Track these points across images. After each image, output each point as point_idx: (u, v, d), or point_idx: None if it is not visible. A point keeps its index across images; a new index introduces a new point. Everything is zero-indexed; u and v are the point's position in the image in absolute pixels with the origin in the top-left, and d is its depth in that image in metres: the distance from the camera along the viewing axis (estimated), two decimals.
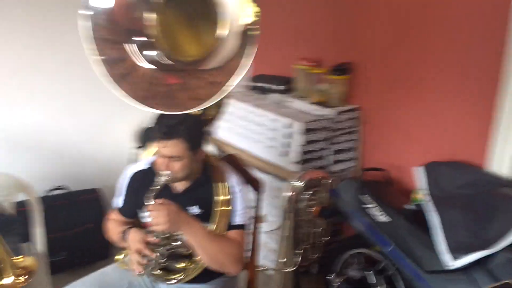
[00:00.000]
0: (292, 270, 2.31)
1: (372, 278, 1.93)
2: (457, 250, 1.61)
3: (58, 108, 2.72)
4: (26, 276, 1.67)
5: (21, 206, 2.28)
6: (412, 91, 2.26)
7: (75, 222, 2.65)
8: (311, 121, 2.38)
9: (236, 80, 1.25)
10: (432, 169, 1.92)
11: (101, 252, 2.72)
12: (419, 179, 1.93)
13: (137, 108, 3.18)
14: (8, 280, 1.65)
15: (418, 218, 1.84)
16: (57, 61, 2.65)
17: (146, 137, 2.90)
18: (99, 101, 2.81)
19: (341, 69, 2.48)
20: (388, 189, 2.14)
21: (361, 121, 2.53)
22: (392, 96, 2.36)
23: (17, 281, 1.64)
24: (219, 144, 2.85)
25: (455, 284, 1.63)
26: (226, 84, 1.26)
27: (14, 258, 1.71)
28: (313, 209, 2.33)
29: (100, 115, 2.88)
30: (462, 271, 1.62)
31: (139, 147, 2.86)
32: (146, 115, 3.04)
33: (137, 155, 2.86)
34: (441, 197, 1.81)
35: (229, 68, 1.30)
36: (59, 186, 2.77)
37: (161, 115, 1.47)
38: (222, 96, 1.27)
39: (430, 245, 1.70)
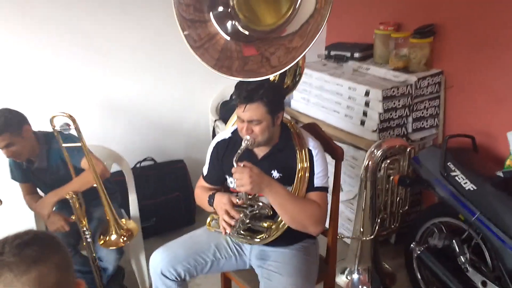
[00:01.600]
0: (369, 239, 2.32)
1: (455, 247, 1.87)
2: None
3: (145, 84, 2.90)
4: (127, 237, 1.88)
5: (115, 176, 2.51)
6: (503, 52, 2.10)
7: (163, 191, 2.85)
8: (390, 88, 2.31)
9: (313, 41, 1.26)
10: None
11: (187, 219, 2.92)
12: (510, 144, 1.82)
13: (217, 84, 3.31)
14: (113, 237, 1.87)
15: (509, 186, 1.74)
16: (144, 36, 2.80)
17: (224, 110, 3.01)
18: (183, 77, 2.95)
19: (423, 32, 2.37)
20: (474, 157, 2.04)
21: (444, 86, 2.41)
22: (480, 58, 2.21)
23: (120, 240, 1.86)
24: (295, 115, 2.88)
25: None
26: (304, 47, 1.28)
27: (120, 220, 1.94)
28: (392, 178, 2.30)
29: (183, 91, 3.02)
30: None
31: (219, 119, 2.99)
32: (226, 89, 3.16)
33: (216, 127, 2.98)
34: None
35: (304, 31, 1.31)
36: (146, 157, 2.97)
37: (241, 82, 1.53)
38: (299, 59, 1.29)
39: None
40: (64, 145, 1.87)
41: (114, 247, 1.96)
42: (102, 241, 1.91)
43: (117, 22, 2.70)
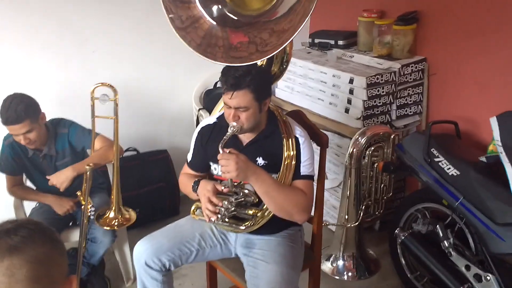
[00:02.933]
0: (354, 226, 2.33)
1: (439, 232, 1.89)
2: None
3: (125, 74, 2.84)
4: (123, 223, 1.90)
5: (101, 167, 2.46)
6: (486, 38, 2.11)
7: (147, 182, 2.81)
8: (374, 76, 2.31)
9: (302, 25, 1.24)
10: (506, 119, 1.81)
11: (171, 209, 2.89)
12: (493, 129, 1.83)
13: (200, 72, 3.27)
14: (111, 214, 1.94)
15: (492, 171, 1.76)
16: (124, 26, 2.74)
17: (209, 99, 2.98)
18: (165, 66, 2.90)
19: (406, 19, 2.37)
20: (457, 142, 2.05)
21: (427, 73, 2.42)
22: (463, 45, 2.22)
23: (115, 222, 1.87)
24: (279, 103, 2.86)
25: None
26: (293, 29, 1.26)
27: (124, 207, 1.97)
28: (376, 165, 2.31)
29: (166, 80, 2.97)
30: None
31: (203, 108, 2.95)
32: (209, 77, 3.11)
33: (200, 116, 2.95)
34: None
35: (293, 15, 1.29)
36: (129, 147, 2.93)
37: (227, 68, 1.50)
38: (288, 42, 1.27)
39: (504, 198, 1.64)
40: (96, 116, 1.96)
41: (109, 228, 1.96)
42: (100, 219, 1.94)
43: (97, 11, 2.64)
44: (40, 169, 2.12)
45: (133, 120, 2.94)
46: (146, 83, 2.92)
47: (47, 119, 2.08)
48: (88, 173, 1.85)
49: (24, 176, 2.22)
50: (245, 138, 1.63)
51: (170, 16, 1.40)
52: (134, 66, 2.84)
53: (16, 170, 2.13)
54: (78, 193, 1.93)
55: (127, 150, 2.90)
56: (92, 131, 2.01)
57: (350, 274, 2.37)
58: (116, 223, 1.93)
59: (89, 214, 1.89)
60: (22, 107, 1.88)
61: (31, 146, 2.00)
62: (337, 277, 2.37)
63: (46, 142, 2.06)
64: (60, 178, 1.97)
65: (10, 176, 2.14)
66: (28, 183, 2.26)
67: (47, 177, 2.03)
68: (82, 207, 1.90)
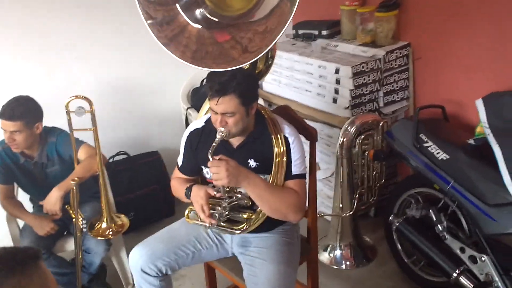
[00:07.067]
0: (349, 215, 2.34)
1: (432, 216, 1.91)
2: None
3: (111, 77, 2.81)
4: (117, 230, 1.89)
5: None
6: (469, 20, 2.11)
7: (140, 185, 2.80)
8: (359, 64, 2.31)
9: (287, 22, 1.23)
10: (492, 100, 1.83)
11: (166, 211, 2.88)
12: (479, 111, 1.85)
13: (187, 71, 3.24)
14: (103, 225, 1.91)
15: (480, 153, 1.78)
16: (108, 29, 2.71)
17: (196, 97, 2.96)
18: (151, 67, 2.87)
19: (388, 5, 2.36)
20: (445, 126, 2.07)
21: (412, 58, 2.42)
22: (446, 28, 2.22)
23: (109, 231, 1.88)
24: (267, 97, 2.85)
25: None
26: (278, 29, 1.25)
27: (115, 214, 1.95)
28: (367, 153, 2.32)
29: (152, 80, 2.96)
30: None
31: (191, 107, 2.93)
32: (196, 75, 3.09)
33: (189, 115, 2.94)
34: (502, 128, 1.73)
35: (277, 13, 1.28)
36: (119, 151, 2.91)
37: (212, 73, 1.49)
38: (274, 43, 1.26)
39: (494, 179, 1.65)
40: (74, 129, 1.92)
41: (103, 238, 1.96)
42: (93, 229, 1.92)
43: (79, 17, 2.62)
44: (31, 176, 2.11)
45: (121, 123, 2.93)
46: (132, 85, 2.90)
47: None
48: (74, 188, 1.83)
49: (16, 186, 2.20)
50: (235, 141, 1.62)
51: (150, 22, 1.39)
52: (119, 69, 2.83)
53: (7, 178, 2.11)
54: (67, 206, 1.92)
55: (117, 154, 2.89)
56: (76, 141, 2.00)
57: (348, 263, 2.39)
58: (110, 233, 1.91)
59: (81, 226, 1.88)
60: (22, 109, 1.93)
61: (13, 147, 2.00)
62: (335, 267, 2.39)
63: (38, 150, 2.06)
64: (51, 202, 1.95)
65: (2, 185, 2.12)
66: (21, 194, 2.24)
67: (40, 202, 2.02)
68: (74, 220, 1.90)
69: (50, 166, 2.09)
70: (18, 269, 0.81)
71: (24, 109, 1.94)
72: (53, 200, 1.95)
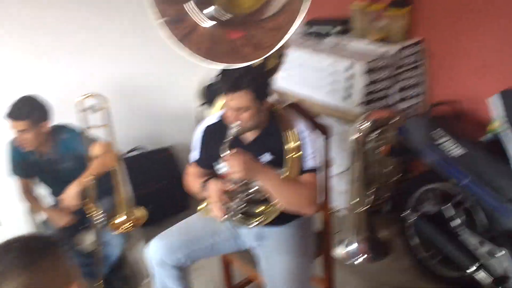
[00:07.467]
0: (364, 210, 2.35)
1: (450, 211, 1.91)
2: None
3: (125, 73, 2.85)
4: (134, 224, 1.92)
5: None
6: (484, 16, 2.10)
7: (154, 179, 2.85)
8: (373, 60, 2.31)
9: (300, 18, 1.24)
10: (509, 95, 1.82)
11: (182, 204, 2.92)
12: (495, 107, 1.84)
13: (201, 66, 3.26)
14: (122, 218, 1.95)
15: (496, 149, 1.78)
16: (123, 25, 2.75)
17: (210, 93, 2.99)
18: (165, 63, 2.89)
19: (400, 2, 2.36)
20: (460, 122, 2.07)
21: (425, 55, 2.42)
22: (460, 23, 2.21)
23: (126, 225, 1.90)
24: (279, 94, 2.86)
25: None
26: (290, 25, 1.26)
27: (133, 207, 2.00)
28: (381, 149, 2.32)
29: (165, 76, 2.98)
30: None
31: (204, 103, 2.96)
32: (210, 72, 3.12)
33: (202, 111, 2.96)
34: None
35: (289, 9, 1.29)
36: (135, 147, 2.95)
37: (226, 69, 1.51)
38: (286, 39, 1.27)
39: (510, 174, 1.66)
40: (90, 126, 1.97)
41: (121, 231, 2.00)
42: (111, 223, 1.97)
43: (94, 12, 2.65)
44: (46, 172, 2.17)
45: (135, 119, 2.96)
46: (146, 81, 2.93)
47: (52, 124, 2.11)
48: (91, 183, 1.89)
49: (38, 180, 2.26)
50: (249, 135, 1.65)
51: (164, 19, 1.41)
52: (132, 67, 2.86)
53: (27, 172, 2.17)
54: (85, 201, 1.97)
55: (132, 150, 2.93)
56: (89, 138, 2.04)
57: (364, 257, 2.39)
58: (128, 226, 1.95)
59: (100, 220, 1.93)
60: (28, 108, 1.96)
61: (23, 147, 2.04)
62: (351, 260, 2.39)
63: (50, 147, 2.10)
64: (69, 198, 2.00)
65: (23, 179, 2.18)
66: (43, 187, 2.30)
67: (57, 198, 2.07)
68: (91, 213, 1.94)
69: (62, 162, 2.13)
70: (30, 256, 0.82)
71: (29, 109, 1.96)
72: (71, 196, 1.99)
